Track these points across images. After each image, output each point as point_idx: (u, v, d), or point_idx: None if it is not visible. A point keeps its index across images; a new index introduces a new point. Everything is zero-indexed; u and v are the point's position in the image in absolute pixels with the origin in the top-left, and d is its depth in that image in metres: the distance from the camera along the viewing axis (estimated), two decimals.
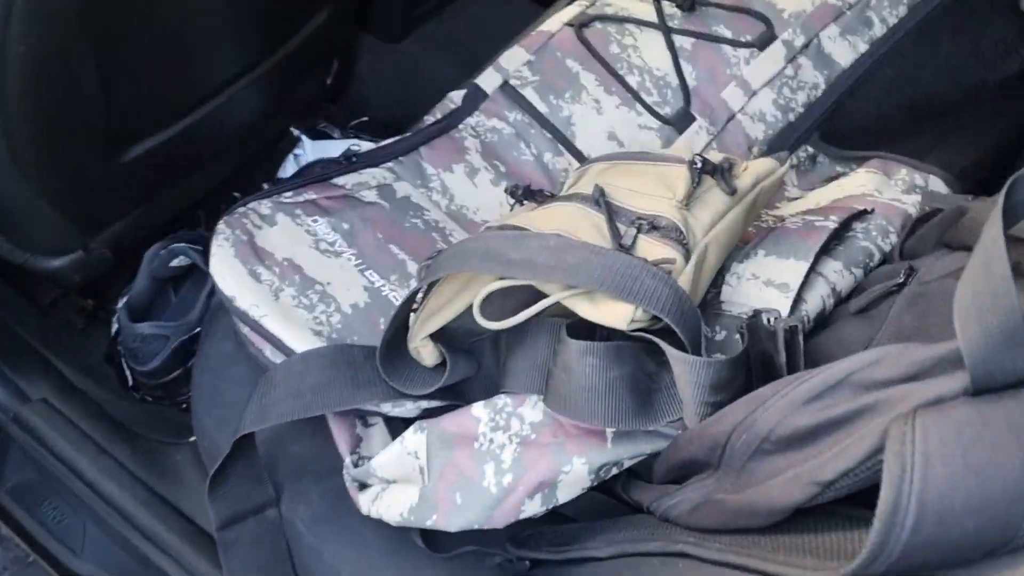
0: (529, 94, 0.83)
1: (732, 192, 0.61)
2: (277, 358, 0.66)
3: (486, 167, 0.82)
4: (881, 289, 0.56)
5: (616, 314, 0.51)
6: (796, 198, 0.79)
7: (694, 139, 0.81)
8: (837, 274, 0.64)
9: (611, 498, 0.60)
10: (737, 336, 0.61)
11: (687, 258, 0.57)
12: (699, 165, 0.61)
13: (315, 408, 0.61)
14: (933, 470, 0.33)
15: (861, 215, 0.67)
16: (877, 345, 0.54)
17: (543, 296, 0.55)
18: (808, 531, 0.40)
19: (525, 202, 0.74)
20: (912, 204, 0.68)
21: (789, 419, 0.41)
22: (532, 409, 0.59)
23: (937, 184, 0.72)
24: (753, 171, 0.64)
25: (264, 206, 0.74)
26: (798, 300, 0.62)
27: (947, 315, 0.52)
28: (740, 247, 0.66)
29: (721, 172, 0.62)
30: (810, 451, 0.40)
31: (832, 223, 0.66)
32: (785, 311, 0.61)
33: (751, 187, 0.64)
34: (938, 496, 0.33)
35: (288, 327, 0.65)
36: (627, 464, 0.58)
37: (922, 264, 0.55)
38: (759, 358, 0.54)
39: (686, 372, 0.49)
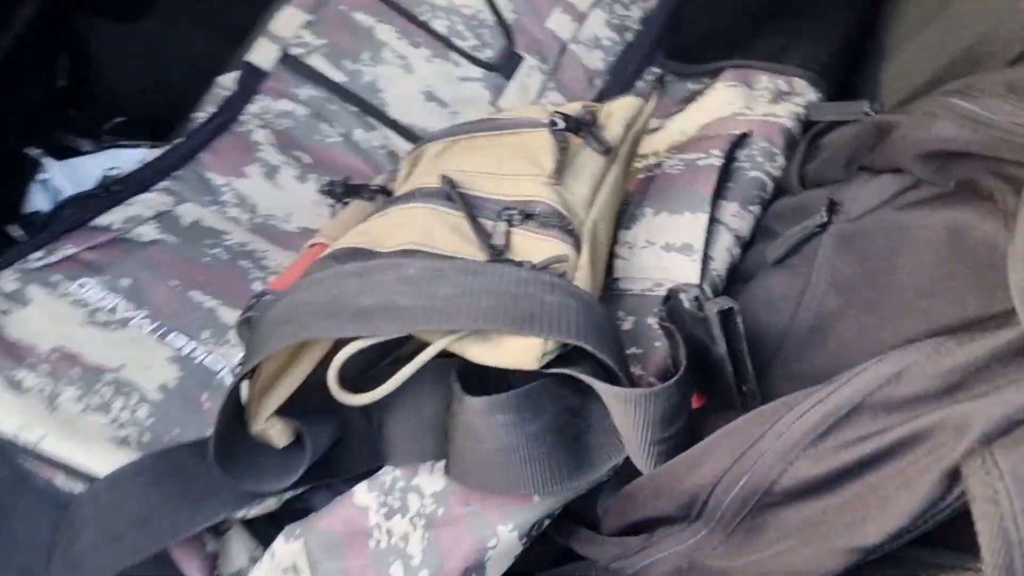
0: (318, 63, 0.68)
1: (606, 150, 0.50)
2: (76, 486, 0.49)
3: (286, 161, 0.66)
4: (801, 233, 0.47)
5: (522, 354, 0.39)
6: (655, 129, 0.69)
7: (527, 82, 0.69)
8: (736, 218, 0.55)
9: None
10: (651, 321, 0.51)
11: (578, 248, 0.46)
12: (561, 125, 0.49)
13: (144, 548, 0.45)
14: None
15: (741, 141, 0.58)
16: (814, 298, 0.46)
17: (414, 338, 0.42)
18: None
19: (348, 200, 0.60)
20: (787, 116, 0.60)
21: (796, 467, 0.31)
22: (431, 476, 0.46)
23: (802, 87, 0.64)
24: (619, 116, 0.53)
25: (7, 280, 0.55)
26: (706, 260, 0.52)
27: (897, 256, 0.44)
28: (622, 208, 0.56)
29: (587, 127, 0.50)
30: (833, 500, 0.30)
31: (716, 158, 0.56)
32: (695, 277, 0.52)
33: (623, 137, 0.53)
34: None
35: (79, 444, 0.48)
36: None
37: (843, 195, 0.46)
38: (688, 349, 0.44)
39: (627, 411, 0.38)
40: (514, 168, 0.48)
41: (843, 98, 0.61)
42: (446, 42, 0.68)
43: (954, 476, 0.27)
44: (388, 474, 0.46)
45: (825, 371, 0.42)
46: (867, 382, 0.29)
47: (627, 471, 0.44)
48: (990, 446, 0.26)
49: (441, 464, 0.46)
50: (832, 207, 0.46)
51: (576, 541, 0.46)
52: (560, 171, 0.48)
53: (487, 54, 0.68)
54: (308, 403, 0.47)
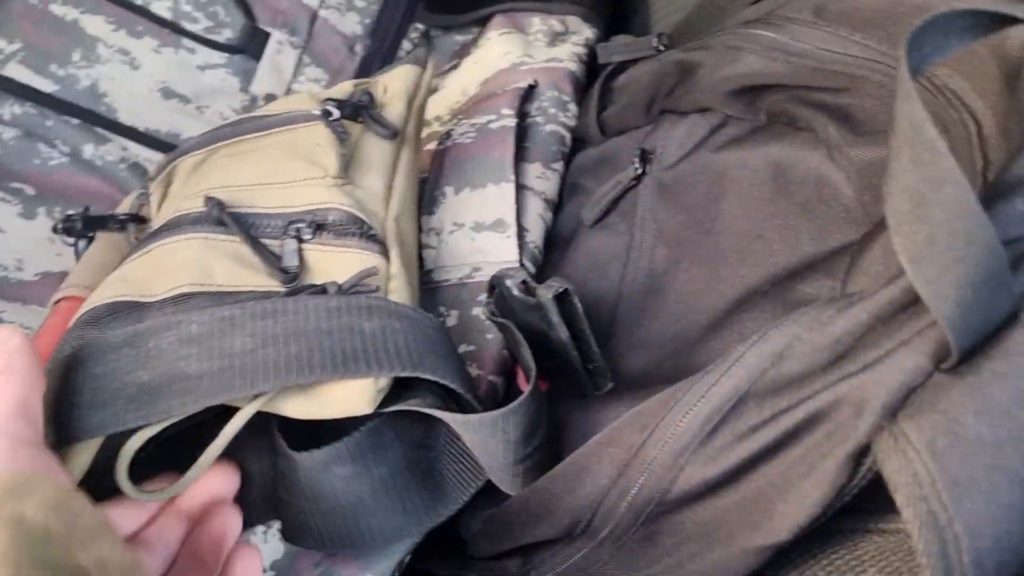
0: (16, 72, 0.56)
1: (393, 133, 0.44)
2: None
3: (3, 198, 0.54)
4: (616, 188, 0.44)
5: (351, 402, 0.32)
6: (433, 91, 0.64)
7: (278, 60, 0.60)
8: (541, 179, 0.51)
9: None
10: (477, 312, 0.46)
11: (386, 254, 0.40)
12: (336, 114, 0.42)
13: None
14: (967, 499, 0.22)
15: (528, 93, 0.54)
16: (642, 256, 0.43)
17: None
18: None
19: (95, 235, 0.50)
20: (570, 59, 0.56)
21: (689, 472, 0.28)
22: (266, 544, 0.40)
23: (576, 24, 0.61)
24: (398, 89, 0.47)
25: None
26: (521, 233, 0.48)
27: (721, 200, 0.42)
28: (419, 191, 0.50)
29: (366, 110, 0.44)
30: (733, 498, 0.28)
31: (508, 118, 0.52)
32: (513, 255, 0.47)
33: (407, 114, 0.47)
34: (988, 527, 0.22)
35: None
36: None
37: (653, 142, 0.43)
38: (527, 339, 0.40)
39: (484, 438, 0.33)
40: (292, 173, 0.41)
41: (616, 32, 0.58)
42: (174, 27, 0.58)
43: (860, 455, 0.25)
44: None
45: (670, 334, 0.40)
46: (749, 368, 0.26)
47: (491, 484, 0.40)
48: (895, 420, 0.24)
49: (276, 527, 0.40)
50: (644, 156, 0.43)
51: (444, 568, 0.41)
52: (346, 168, 0.41)
53: (226, 35, 0.59)
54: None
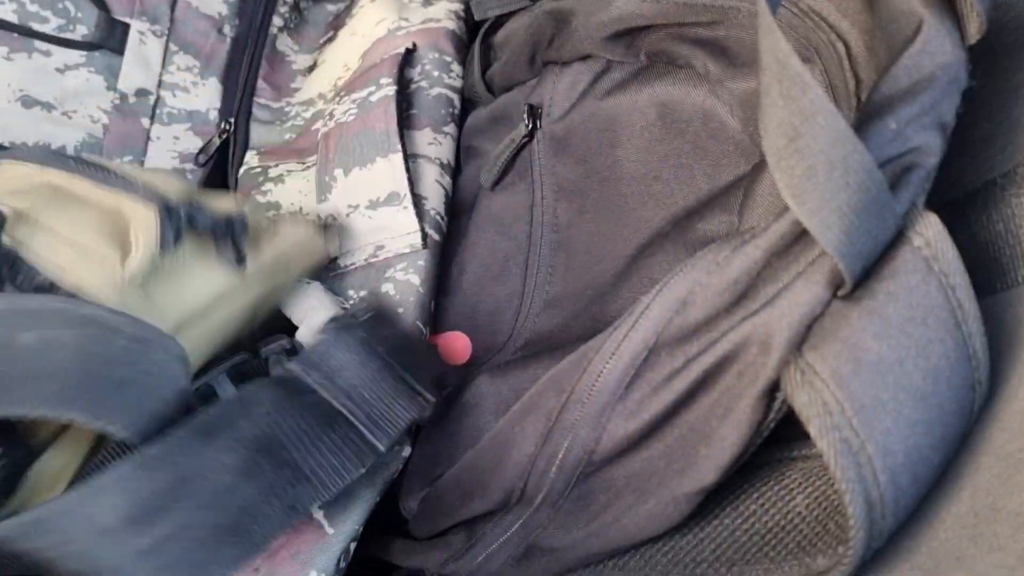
0: None
1: (240, 260, 0.39)
2: None
3: None
4: (509, 147, 0.43)
5: None
6: (311, 67, 0.61)
7: (144, 53, 0.57)
8: (433, 145, 0.50)
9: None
10: (387, 288, 0.45)
11: None
12: (181, 215, 0.36)
13: None
14: (876, 421, 0.23)
15: (408, 58, 0.53)
16: (545, 212, 0.42)
17: None
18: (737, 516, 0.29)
19: None
20: (447, 17, 0.55)
21: (611, 429, 0.28)
22: None
23: None
24: (283, 244, 0.42)
25: None
26: (418, 202, 0.47)
27: (615, 147, 0.41)
28: (305, 174, 0.48)
29: (229, 234, 0.38)
30: (657, 447, 0.28)
31: (388, 87, 0.50)
32: (413, 225, 0.46)
33: (271, 263, 0.42)
34: (898, 444, 0.23)
35: None
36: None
37: (540, 96, 0.43)
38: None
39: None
40: (94, 241, 0.35)
41: None
42: (22, 30, 0.54)
43: (772, 392, 0.25)
44: None
45: (581, 286, 0.39)
46: (655, 319, 0.26)
47: (420, 453, 0.40)
48: (800, 352, 0.24)
49: None
50: (533, 112, 0.42)
51: (393, 554, 0.41)
52: (147, 271, 0.35)
53: (81, 31, 0.55)
54: None
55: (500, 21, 0.48)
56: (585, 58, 0.40)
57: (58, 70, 0.55)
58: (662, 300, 0.26)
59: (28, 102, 0.54)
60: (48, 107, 0.54)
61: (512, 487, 0.31)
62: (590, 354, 0.28)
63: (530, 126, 0.42)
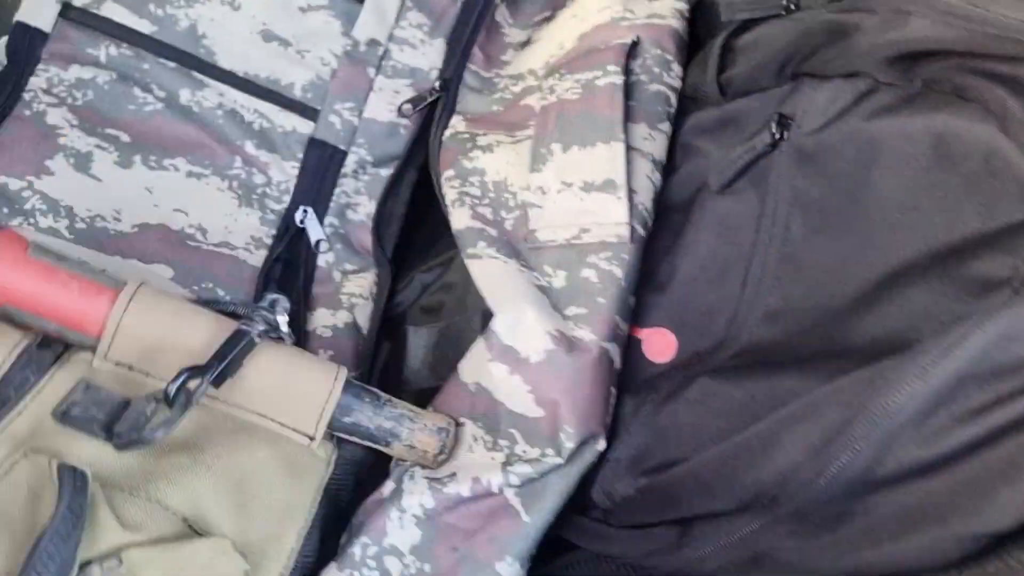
0: (114, 12, 0.55)
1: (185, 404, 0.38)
2: None
3: (99, 144, 0.53)
4: (750, 154, 0.43)
5: None
6: (525, 42, 0.62)
7: (382, 4, 0.59)
8: (648, 140, 0.50)
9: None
10: (587, 274, 0.46)
11: None
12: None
13: None
14: None
15: (632, 50, 0.53)
16: (775, 224, 0.42)
17: None
18: None
19: None
20: (672, 16, 0.54)
21: (900, 452, 0.27)
22: (401, 530, 0.40)
23: None
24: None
25: None
26: (630, 195, 0.47)
27: (872, 170, 0.39)
28: (525, 146, 0.49)
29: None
30: (948, 481, 0.27)
31: (615, 75, 0.50)
32: (624, 216, 0.46)
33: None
34: None
35: None
36: None
37: (792, 107, 0.42)
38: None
39: None
40: None
41: None
42: None
43: None
44: (354, 544, 0.40)
45: (809, 304, 0.39)
46: (972, 350, 0.26)
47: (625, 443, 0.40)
48: None
49: (412, 513, 0.40)
50: (782, 120, 0.42)
51: (584, 536, 0.41)
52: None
53: None
54: None
55: (745, 25, 0.47)
56: (849, 75, 0.39)
57: (301, 9, 0.57)
58: (983, 332, 0.26)
59: (268, 35, 0.56)
60: (285, 43, 0.57)
61: (763, 491, 0.31)
62: (886, 373, 0.27)
63: (778, 136, 0.42)
